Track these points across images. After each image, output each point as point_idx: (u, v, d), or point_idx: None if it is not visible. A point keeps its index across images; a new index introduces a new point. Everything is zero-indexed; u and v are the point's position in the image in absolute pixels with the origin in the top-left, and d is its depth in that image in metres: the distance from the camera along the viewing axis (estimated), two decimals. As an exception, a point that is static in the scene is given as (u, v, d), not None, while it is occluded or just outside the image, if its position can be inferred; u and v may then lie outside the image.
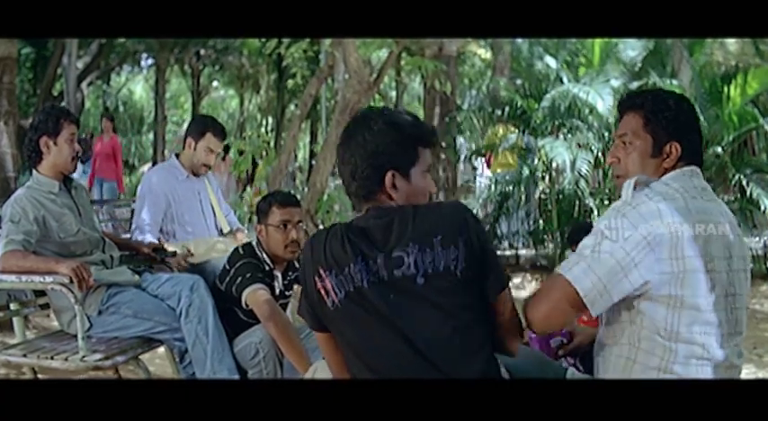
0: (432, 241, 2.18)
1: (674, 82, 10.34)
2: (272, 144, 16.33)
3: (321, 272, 2.25)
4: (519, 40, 11.83)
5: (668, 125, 2.55)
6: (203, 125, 5.00)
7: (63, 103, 20.28)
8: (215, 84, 34.45)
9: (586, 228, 2.70)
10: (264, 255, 3.98)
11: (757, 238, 10.56)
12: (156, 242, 4.72)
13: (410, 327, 2.17)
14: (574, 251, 2.52)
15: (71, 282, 3.67)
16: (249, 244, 4.06)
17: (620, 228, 2.36)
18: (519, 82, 12.09)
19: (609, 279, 2.33)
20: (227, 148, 13.01)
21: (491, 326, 2.31)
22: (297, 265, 4.13)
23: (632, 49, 10.81)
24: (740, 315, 2.49)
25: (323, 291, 2.25)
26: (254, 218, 4.18)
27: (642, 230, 2.33)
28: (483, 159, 12.79)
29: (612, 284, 2.33)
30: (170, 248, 4.65)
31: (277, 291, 4.01)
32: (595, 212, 9.64)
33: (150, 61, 29.18)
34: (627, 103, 2.68)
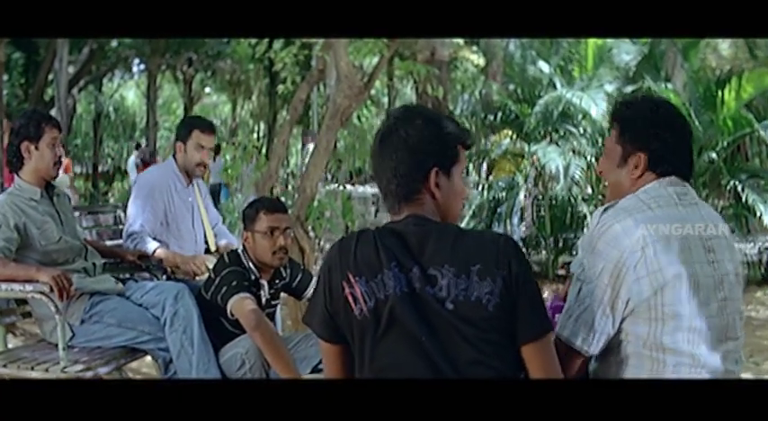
0: (469, 269, 2.07)
1: (669, 86, 10.28)
2: (263, 150, 16.30)
3: (351, 278, 2.12)
4: (512, 45, 11.76)
5: (636, 137, 2.54)
6: (188, 125, 4.89)
7: (54, 109, 20.25)
8: (207, 89, 34.43)
9: None
10: (250, 264, 3.89)
11: (752, 244, 10.50)
12: (160, 248, 4.58)
13: (436, 348, 2.05)
14: None
15: (51, 290, 3.59)
16: (235, 251, 3.97)
17: (592, 265, 2.37)
18: (512, 87, 12.02)
19: (598, 321, 2.36)
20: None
21: (515, 369, 2.15)
22: (284, 274, 4.05)
23: (626, 53, 10.73)
24: (732, 320, 2.45)
25: (350, 298, 2.12)
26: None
27: (613, 257, 2.34)
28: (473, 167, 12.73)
29: (603, 323, 2.36)
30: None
31: (263, 300, 3.92)
32: (588, 219, 9.56)
33: (142, 67, 29.16)
34: (612, 112, 2.70)
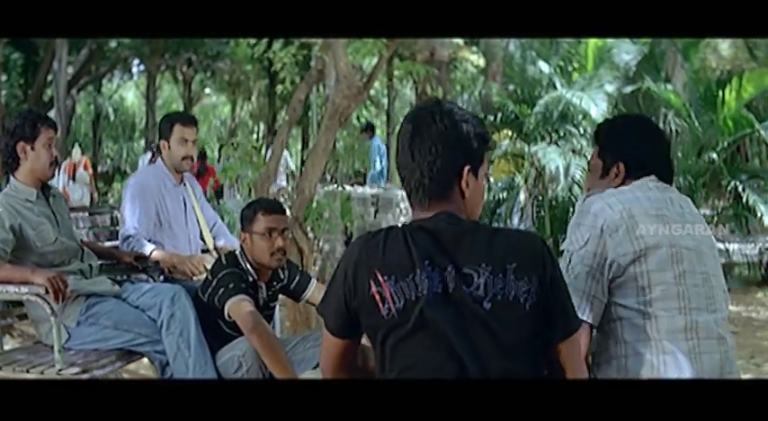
0: (505, 267, 2.04)
1: (669, 87, 10.25)
2: (263, 151, 16.27)
3: (379, 277, 2.07)
4: (512, 46, 11.73)
5: (614, 150, 2.84)
6: (169, 121, 4.84)
7: (53, 110, 20.21)
8: (207, 90, 34.42)
9: None
10: (248, 265, 3.85)
11: (752, 245, 10.48)
12: (156, 250, 4.54)
13: (466, 348, 2.01)
14: None
15: (47, 292, 3.56)
16: (232, 253, 3.94)
17: (579, 236, 2.62)
18: (511, 87, 12.00)
19: (589, 285, 2.56)
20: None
21: (540, 368, 2.17)
22: (281, 276, 4.02)
23: (626, 53, 10.71)
24: (716, 292, 2.61)
25: (378, 297, 2.07)
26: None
27: (597, 224, 2.57)
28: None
29: (594, 287, 2.56)
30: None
31: (261, 302, 3.88)
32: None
33: (141, 67, 29.15)
34: (594, 134, 3.05)
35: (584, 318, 2.50)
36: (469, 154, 2.16)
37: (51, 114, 18.72)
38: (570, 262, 2.60)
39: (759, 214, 9.30)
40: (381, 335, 2.10)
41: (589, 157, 9.62)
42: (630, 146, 2.82)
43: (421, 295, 2.02)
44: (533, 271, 2.06)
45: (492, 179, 12.31)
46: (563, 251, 2.69)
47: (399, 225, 2.17)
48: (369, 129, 15.16)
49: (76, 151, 14.83)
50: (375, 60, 7.55)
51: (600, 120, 9.21)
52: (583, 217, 2.64)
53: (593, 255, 2.56)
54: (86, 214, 5.11)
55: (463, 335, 2.01)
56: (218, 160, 14.74)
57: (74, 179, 13.93)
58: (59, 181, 12.98)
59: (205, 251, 4.91)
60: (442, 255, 2.05)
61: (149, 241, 4.58)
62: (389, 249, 2.08)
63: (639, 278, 2.53)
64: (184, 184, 4.90)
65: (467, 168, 2.15)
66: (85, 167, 14.38)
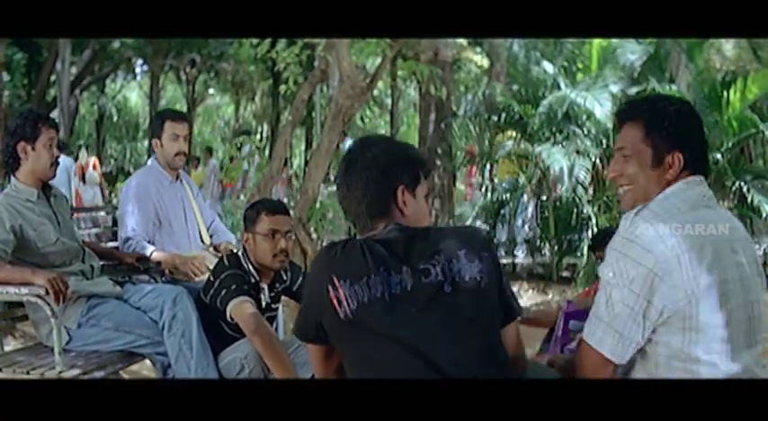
0: (457, 253, 2.21)
1: (673, 87, 10.21)
2: (267, 151, 16.27)
3: (335, 281, 2.18)
4: (515, 46, 11.68)
5: (669, 135, 2.44)
6: (160, 119, 4.83)
7: (56, 110, 20.21)
8: (210, 91, 34.42)
9: (609, 234, 2.66)
10: (251, 267, 3.83)
11: (757, 245, 10.43)
12: (157, 251, 4.52)
13: (427, 341, 2.13)
14: (598, 258, 2.46)
15: (47, 293, 3.53)
16: (235, 254, 3.91)
17: (624, 270, 2.31)
18: (515, 87, 11.95)
19: (628, 329, 2.31)
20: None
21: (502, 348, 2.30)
22: (284, 277, 3.99)
23: (631, 53, 10.65)
24: (758, 323, 2.41)
25: (335, 301, 2.18)
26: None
27: (647, 263, 2.27)
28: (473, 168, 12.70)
29: (633, 331, 2.31)
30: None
31: (263, 304, 3.86)
32: (593, 220, 9.49)
33: (145, 68, 29.15)
34: (625, 113, 2.58)
35: (613, 359, 2.34)
36: (402, 175, 2.33)
37: (54, 114, 18.72)
38: (610, 297, 2.34)
39: (764, 215, 9.27)
40: (343, 339, 2.24)
41: (599, 158, 9.63)
42: (688, 131, 2.46)
43: (376, 296, 2.15)
44: (481, 253, 2.24)
45: (496, 180, 12.29)
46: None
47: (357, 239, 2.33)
48: None
49: (83, 153, 15.13)
50: (378, 60, 7.53)
51: (605, 119, 9.20)
52: (629, 247, 2.32)
53: (638, 297, 2.28)
54: (94, 214, 5.09)
55: (426, 327, 2.14)
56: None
57: (84, 181, 14.11)
58: (71, 184, 13.05)
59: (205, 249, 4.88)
60: (397, 260, 2.20)
61: (149, 243, 4.55)
62: (346, 257, 2.22)
63: (687, 320, 2.27)
64: (181, 182, 4.88)
65: (401, 188, 2.31)
66: (94, 168, 14.62)
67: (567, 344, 3.16)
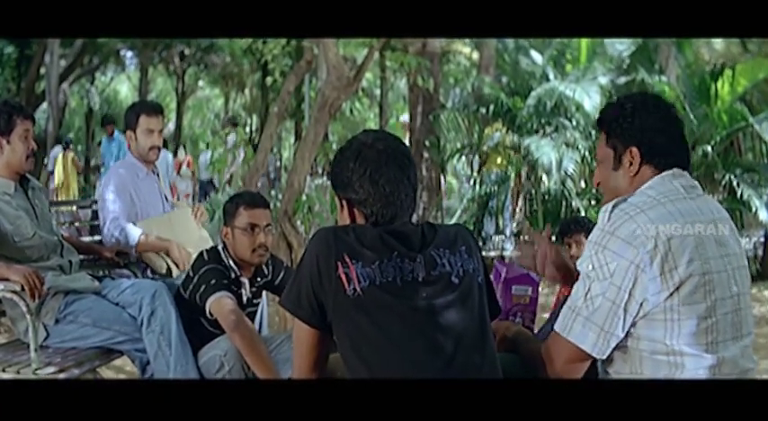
0: (458, 248, 2.32)
1: (663, 79, 10.18)
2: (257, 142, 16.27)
3: (347, 259, 2.20)
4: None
5: (623, 132, 2.49)
6: (134, 112, 4.76)
7: (45, 102, 20.11)
8: (200, 83, 34.32)
9: (578, 221, 2.68)
10: (230, 261, 3.77)
11: (747, 239, 10.42)
12: (145, 234, 4.47)
13: (432, 323, 2.20)
14: (566, 245, 2.43)
15: (23, 289, 3.46)
16: (215, 248, 3.85)
17: (604, 262, 2.31)
18: (504, 80, 11.92)
19: (609, 322, 2.30)
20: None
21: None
22: (266, 271, 3.93)
23: (620, 44, 10.63)
24: (745, 315, 2.40)
25: (344, 277, 2.19)
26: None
27: (628, 255, 2.27)
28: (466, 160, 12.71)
29: (614, 325, 2.30)
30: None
31: (244, 299, 3.80)
32: (582, 213, 9.47)
33: (134, 60, 29.04)
34: (597, 121, 2.64)
35: (592, 353, 2.33)
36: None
37: (43, 107, 18.81)
38: (589, 290, 2.32)
39: (753, 208, 9.26)
40: (347, 316, 2.21)
41: (588, 150, 9.59)
42: (642, 126, 2.46)
43: (388, 280, 2.19)
44: (475, 251, 2.37)
45: (484, 172, 12.25)
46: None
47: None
48: None
49: (181, 151, 17.89)
50: (366, 52, 7.48)
51: (594, 111, 9.17)
52: (608, 239, 2.31)
53: (618, 289, 2.27)
54: (73, 208, 5.01)
55: (435, 313, 2.21)
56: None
57: (179, 174, 15.89)
58: (167, 177, 13.48)
59: None
60: (412, 248, 2.26)
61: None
62: (360, 239, 2.24)
63: (668, 312, 2.26)
64: (157, 175, 4.86)
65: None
66: (188, 165, 16.64)
67: (511, 310, 3.04)
